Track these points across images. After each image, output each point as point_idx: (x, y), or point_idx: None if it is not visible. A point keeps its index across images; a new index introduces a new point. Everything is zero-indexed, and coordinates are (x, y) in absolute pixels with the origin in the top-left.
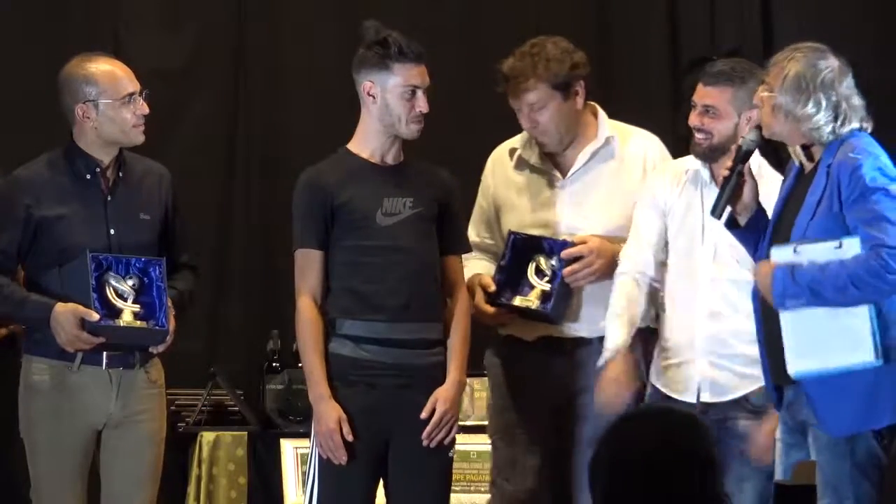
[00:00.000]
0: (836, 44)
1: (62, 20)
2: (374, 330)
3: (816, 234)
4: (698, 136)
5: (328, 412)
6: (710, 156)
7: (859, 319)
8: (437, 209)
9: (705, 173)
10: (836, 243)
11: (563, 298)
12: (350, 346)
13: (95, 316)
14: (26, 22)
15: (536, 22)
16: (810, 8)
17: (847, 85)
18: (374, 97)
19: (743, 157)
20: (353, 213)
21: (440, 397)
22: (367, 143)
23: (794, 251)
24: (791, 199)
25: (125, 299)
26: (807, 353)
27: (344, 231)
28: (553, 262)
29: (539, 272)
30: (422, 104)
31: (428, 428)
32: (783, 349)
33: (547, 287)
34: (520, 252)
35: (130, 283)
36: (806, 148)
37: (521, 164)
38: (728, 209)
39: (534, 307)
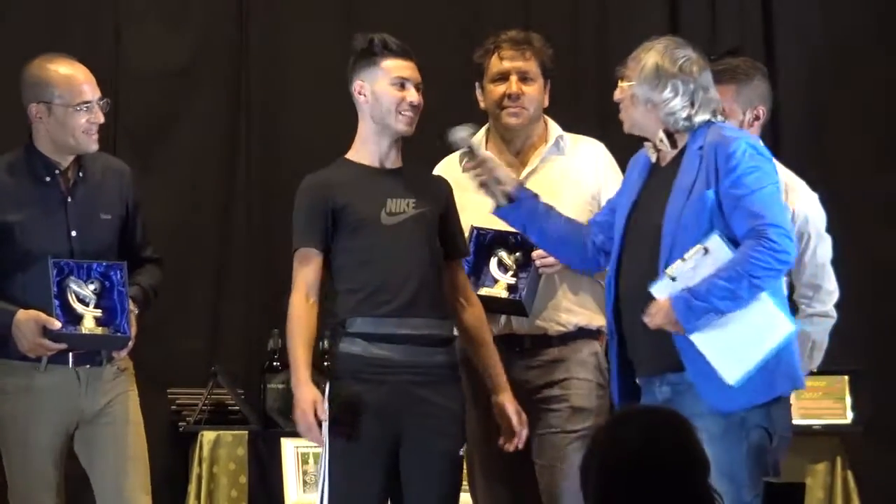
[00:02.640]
0: (836, 42)
1: (62, 20)
2: (382, 326)
3: (694, 215)
4: None
5: (304, 394)
6: None
7: (762, 301)
8: (438, 212)
9: None
10: (700, 250)
11: (533, 288)
12: (361, 344)
13: (57, 324)
14: (26, 22)
15: (536, 22)
16: (810, 7)
17: (705, 77)
18: (365, 96)
19: (466, 154)
20: (357, 214)
21: (515, 407)
22: (365, 149)
23: (672, 279)
24: (648, 190)
25: (87, 304)
26: (736, 358)
27: (348, 232)
28: (518, 255)
29: (501, 266)
30: (412, 96)
31: (522, 437)
32: (647, 343)
33: (512, 280)
34: (482, 247)
35: (92, 287)
36: (669, 135)
37: None
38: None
39: (504, 297)
